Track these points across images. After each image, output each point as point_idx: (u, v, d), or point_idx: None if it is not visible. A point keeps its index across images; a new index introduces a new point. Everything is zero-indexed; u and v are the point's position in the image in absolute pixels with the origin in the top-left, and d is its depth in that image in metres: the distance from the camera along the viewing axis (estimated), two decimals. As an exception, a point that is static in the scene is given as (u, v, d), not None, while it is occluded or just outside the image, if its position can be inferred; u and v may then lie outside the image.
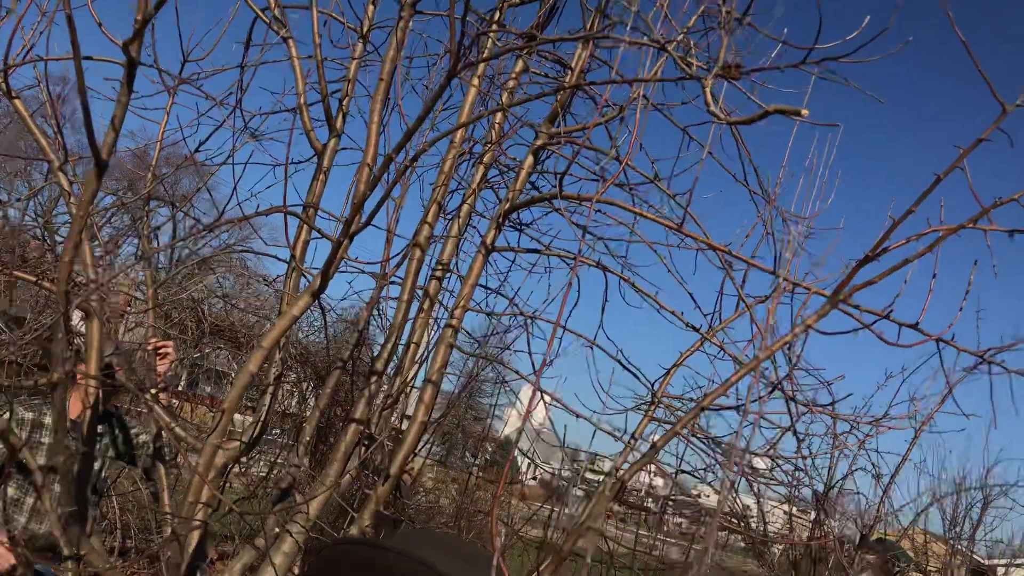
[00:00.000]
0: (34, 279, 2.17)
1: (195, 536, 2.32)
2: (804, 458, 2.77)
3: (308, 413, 7.50)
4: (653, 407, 2.73)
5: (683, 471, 2.63)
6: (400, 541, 1.23)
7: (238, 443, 2.51)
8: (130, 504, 6.63)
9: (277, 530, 2.45)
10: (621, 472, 2.27)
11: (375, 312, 3.08)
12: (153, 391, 2.52)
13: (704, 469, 2.98)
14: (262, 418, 2.62)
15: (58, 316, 1.70)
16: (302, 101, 2.70)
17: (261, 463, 8.33)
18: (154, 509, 6.27)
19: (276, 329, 2.16)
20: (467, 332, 3.21)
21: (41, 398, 3.42)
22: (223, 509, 2.67)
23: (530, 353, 3.10)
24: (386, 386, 2.85)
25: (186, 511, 2.11)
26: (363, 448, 2.64)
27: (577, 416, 2.55)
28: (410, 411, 3.41)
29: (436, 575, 1.16)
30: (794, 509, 9.96)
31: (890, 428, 2.78)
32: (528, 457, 3.58)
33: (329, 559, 1.19)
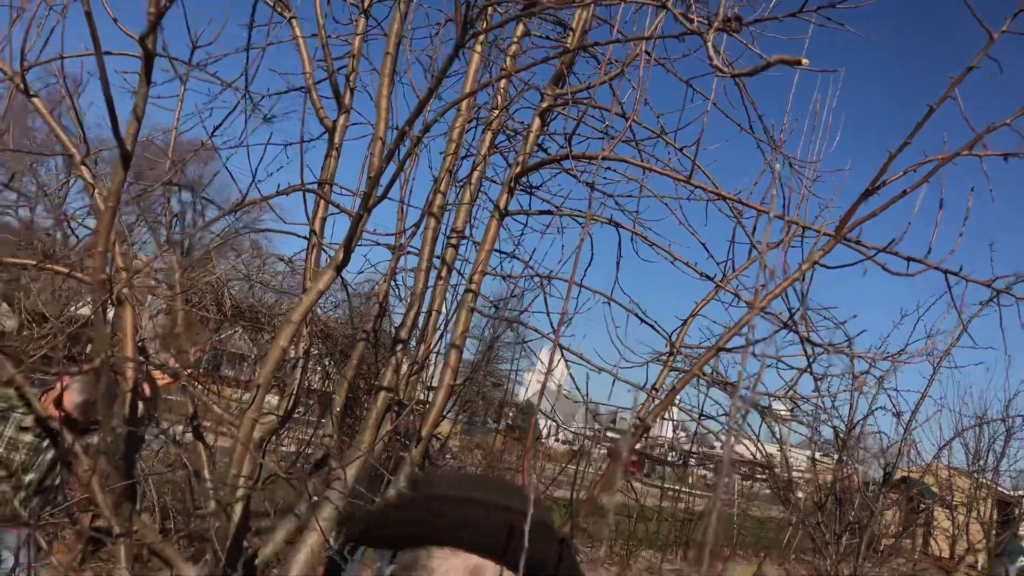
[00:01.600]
0: (67, 271, 2.25)
1: (239, 507, 2.41)
2: (823, 397, 2.83)
3: (333, 388, 7.62)
4: (672, 357, 2.80)
5: (704, 415, 2.70)
6: (453, 489, 1.32)
7: (274, 417, 2.60)
8: (166, 487, 6.79)
9: (316, 498, 2.54)
10: (643, 417, 2.35)
11: (393, 283, 3.15)
12: (188, 372, 2.60)
13: (724, 414, 3.05)
14: (293, 392, 2.70)
15: (97, 305, 1.77)
16: (310, 80, 2.75)
17: (288, 442, 8.48)
18: (192, 489, 6.42)
19: (304, 303, 2.23)
20: (486, 298, 3.28)
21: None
22: (269, 479, 2.77)
23: (548, 313, 3.16)
24: (411, 354, 2.92)
25: (230, 482, 2.20)
26: (393, 414, 2.72)
27: (599, 370, 2.62)
28: (434, 378, 3.49)
29: (519, 515, 1.27)
30: (816, 452, 10.06)
31: (908, 363, 2.83)
32: (550, 418, 3.66)
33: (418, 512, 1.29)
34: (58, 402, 3.49)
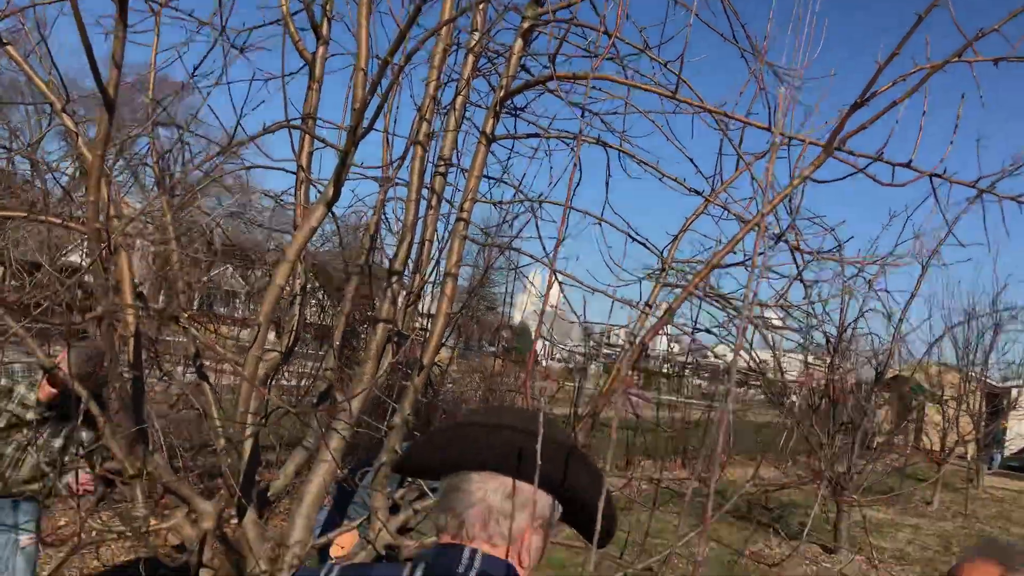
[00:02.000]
0: (60, 222, 2.25)
1: (248, 443, 2.47)
2: (814, 303, 2.88)
3: (331, 322, 7.68)
4: (664, 274, 2.83)
5: (699, 329, 2.75)
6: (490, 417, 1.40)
7: (276, 353, 2.64)
8: (172, 429, 6.91)
9: (324, 430, 2.60)
10: (640, 335, 2.39)
11: (383, 216, 3.15)
12: (186, 315, 2.63)
13: (718, 326, 3.10)
14: (293, 328, 2.74)
15: (95, 254, 1.78)
16: (286, 10, 2.70)
17: (290, 377, 8.59)
18: (200, 428, 6.53)
19: (298, 241, 2.25)
20: (477, 226, 3.29)
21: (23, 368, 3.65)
22: (274, 415, 2.82)
23: (540, 237, 3.18)
24: (406, 285, 2.95)
25: (239, 418, 2.25)
26: (394, 345, 2.76)
27: (592, 291, 2.65)
28: (431, 308, 3.52)
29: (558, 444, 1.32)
30: (809, 357, 10.25)
31: (896, 265, 2.87)
32: (546, 339, 3.69)
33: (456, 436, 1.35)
34: (53, 381, 3.54)
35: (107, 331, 1.97)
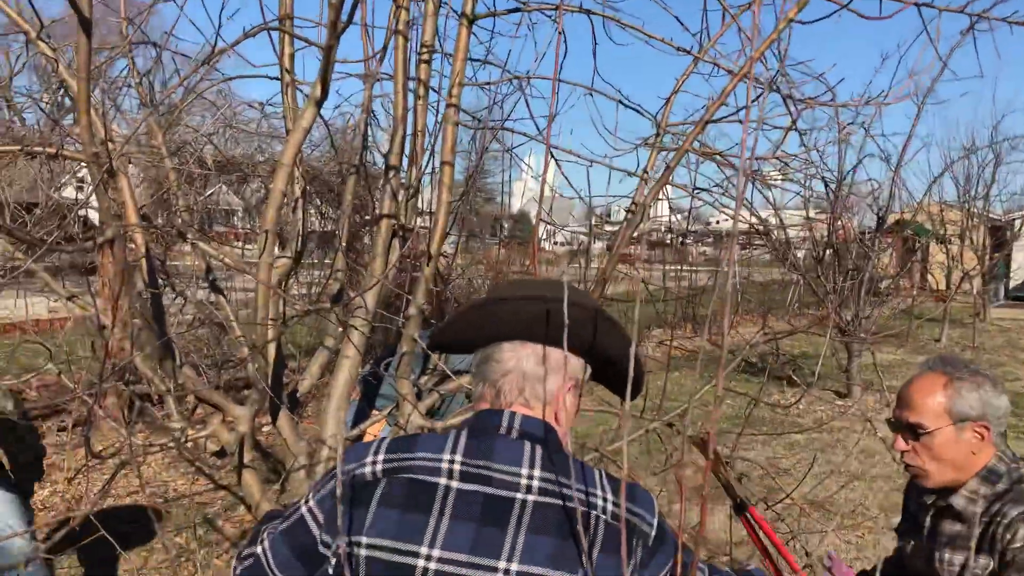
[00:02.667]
0: (55, 152, 2.25)
1: (272, 347, 2.54)
2: (811, 151, 2.89)
3: (333, 226, 7.71)
4: (659, 138, 2.83)
5: (699, 189, 2.77)
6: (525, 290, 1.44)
7: (286, 260, 2.68)
8: (191, 348, 7.05)
9: (343, 327, 2.67)
10: (639, 201, 2.42)
11: (372, 114, 3.13)
12: (192, 231, 2.66)
13: (717, 187, 3.12)
14: (299, 232, 2.77)
15: (96, 180, 1.80)
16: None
17: (299, 286, 8.68)
18: (220, 341, 6.66)
19: (291, 144, 2.25)
20: (467, 111, 3.27)
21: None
22: (293, 318, 2.89)
23: (531, 116, 3.16)
24: (403, 178, 2.96)
25: (259, 323, 2.32)
26: (399, 239, 2.79)
27: (590, 162, 2.66)
28: (431, 203, 3.54)
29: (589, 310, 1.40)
30: (811, 211, 10.27)
31: (891, 103, 2.86)
32: (547, 222, 3.72)
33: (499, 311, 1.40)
34: None
35: (119, 254, 2.01)
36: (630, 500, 1.36)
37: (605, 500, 1.33)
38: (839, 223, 9.65)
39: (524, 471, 1.31)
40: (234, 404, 2.50)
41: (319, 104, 2.24)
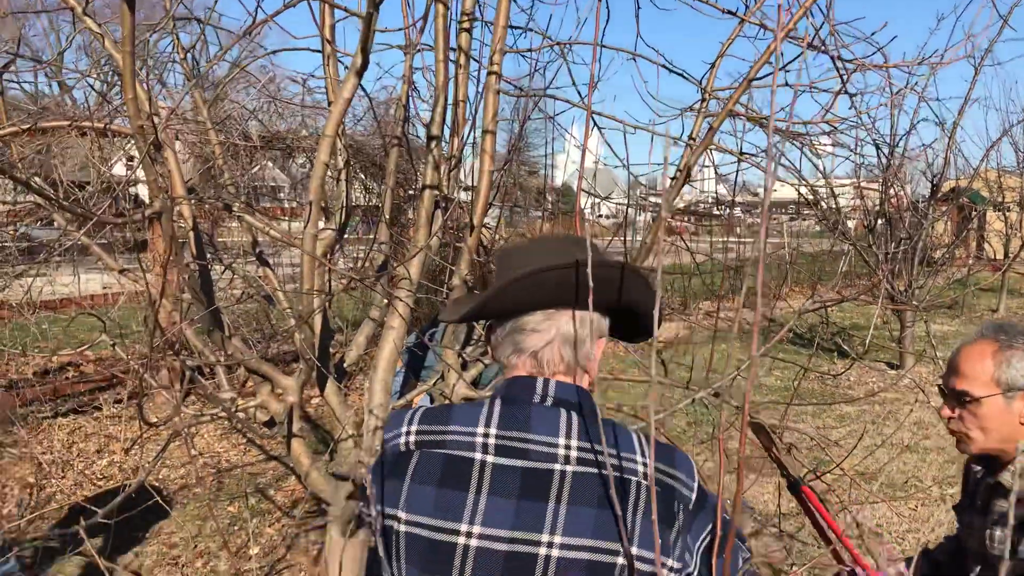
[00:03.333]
0: (103, 127, 2.28)
1: (318, 318, 2.56)
2: (861, 114, 2.81)
3: (375, 199, 7.74)
4: (704, 104, 2.77)
5: (745, 154, 2.71)
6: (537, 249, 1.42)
7: (330, 232, 2.69)
8: (239, 322, 7.17)
9: (388, 298, 2.68)
10: (683, 167, 2.38)
11: (413, 86, 3.12)
12: (238, 204, 2.68)
13: (763, 151, 3.05)
14: (344, 205, 2.78)
15: (143, 153, 1.82)
16: None
17: (344, 260, 8.76)
18: (267, 314, 6.76)
19: (335, 114, 2.25)
20: (509, 81, 3.24)
21: None
22: (336, 288, 2.91)
23: (573, 84, 3.12)
24: (445, 149, 2.95)
25: (305, 295, 2.34)
26: (442, 210, 2.79)
27: (634, 128, 2.62)
28: (470, 177, 3.52)
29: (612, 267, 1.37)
30: (862, 180, 10.02)
31: (947, 64, 2.76)
32: (591, 193, 3.70)
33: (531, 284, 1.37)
34: None
35: (166, 226, 2.03)
36: (669, 464, 1.34)
37: (645, 465, 1.31)
38: (892, 191, 9.41)
39: (561, 441, 1.29)
40: (282, 375, 2.53)
41: (360, 74, 2.23)
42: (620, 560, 1.23)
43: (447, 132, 2.96)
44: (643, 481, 1.29)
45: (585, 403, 1.36)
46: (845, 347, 9.25)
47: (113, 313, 4.30)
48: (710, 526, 1.37)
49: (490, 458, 1.28)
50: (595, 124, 3.04)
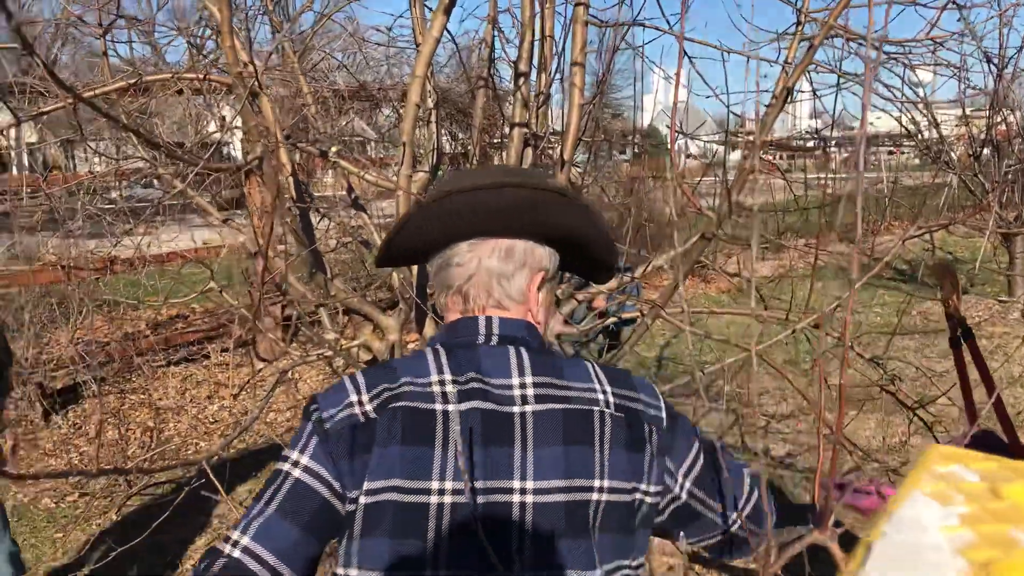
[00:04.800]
0: (203, 76, 2.36)
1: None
2: (969, 28, 2.66)
3: (463, 146, 7.78)
4: (800, 27, 2.67)
5: (844, 75, 2.61)
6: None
7: (423, 174, 2.73)
8: (336, 271, 7.37)
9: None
10: (779, 93, 2.31)
11: (497, 28, 3.10)
12: (334, 150, 2.74)
13: (862, 76, 2.93)
14: (434, 146, 2.81)
15: (243, 98, 1.88)
16: None
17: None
18: (363, 262, 6.93)
19: (423, 55, 2.27)
20: (594, 19, 3.18)
21: None
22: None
23: (663, 13, 3.05)
24: (533, 86, 2.93)
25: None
26: (532, 148, 2.79)
27: (728, 51, 2.55)
28: (556, 122, 3.50)
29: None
30: (967, 109, 9.49)
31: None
32: (680, 132, 3.62)
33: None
34: None
35: (269, 170, 2.10)
36: (630, 388, 1.27)
37: (605, 393, 1.24)
38: (999, 117, 8.89)
39: (515, 380, 1.21)
40: (383, 315, 2.60)
41: (448, 12, 2.24)
42: (594, 496, 1.17)
43: (535, 71, 2.94)
44: (606, 410, 1.22)
45: (533, 338, 1.29)
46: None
47: (217, 264, 4.49)
48: (694, 449, 1.31)
49: (451, 407, 1.17)
50: (686, 54, 2.97)
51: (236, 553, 1.11)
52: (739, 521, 1.35)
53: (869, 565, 0.42)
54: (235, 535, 1.14)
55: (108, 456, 5.39)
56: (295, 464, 1.17)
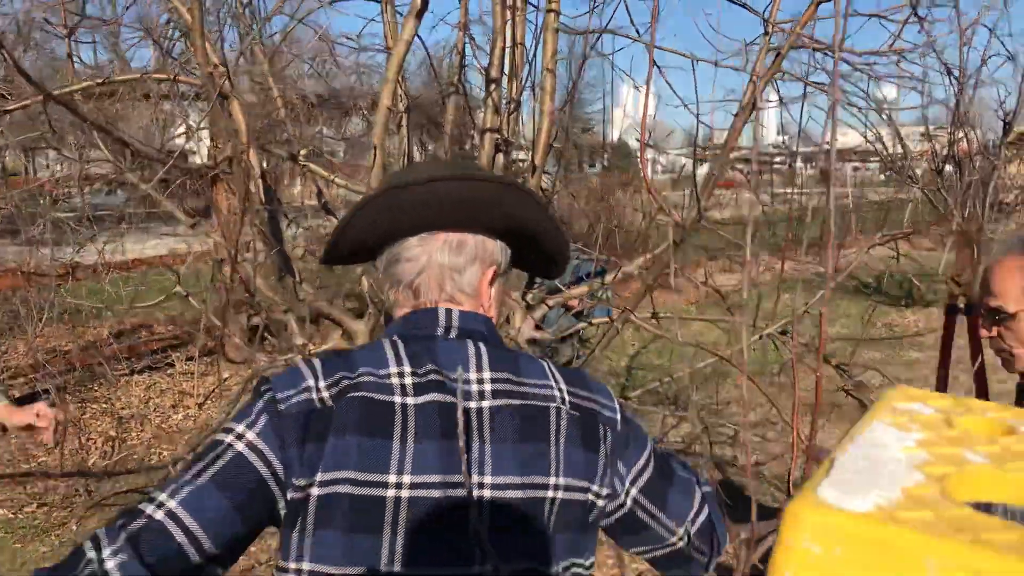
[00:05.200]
0: (172, 78, 2.34)
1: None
2: (931, 39, 2.71)
3: (434, 150, 7.77)
4: (768, 37, 2.71)
5: (811, 83, 2.64)
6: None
7: (393, 177, 2.72)
8: (303, 276, 7.31)
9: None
10: (746, 104, 2.34)
11: (468, 34, 3.10)
12: (302, 153, 2.73)
13: (829, 85, 2.97)
14: (405, 151, 2.80)
15: (213, 100, 1.86)
16: None
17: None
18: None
19: (395, 59, 2.26)
20: (567, 26, 3.20)
21: None
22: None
23: (632, 22, 3.07)
24: (503, 93, 2.94)
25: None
26: (502, 153, 2.79)
27: (697, 60, 2.58)
28: (526, 127, 3.51)
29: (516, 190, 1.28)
30: (929, 119, 9.65)
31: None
32: (650, 146, 3.63)
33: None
34: None
35: (238, 171, 2.08)
36: (585, 388, 1.26)
37: (561, 391, 1.22)
38: (960, 134, 9.05)
39: (473, 375, 1.19)
40: (351, 319, 2.59)
41: (419, 16, 2.24)
42: (549, 493, 1.16)
43: (505, 77, 2.95)
44: (562, 407, 1.20)
45: (491, 333, 1.26)
46: (917, 287, 9.03)
47: (182, 270, 4.44)
48: (644, 455, 1.29)
49: (410, 399, 1.14)
50: (655, 63, 3.00)
51: (159, 515, 1.06)
52: (687, 537, 1.32)
53: (833, 475, 0.47)
54: (161, 497, 1.08)
55: (69, 466, 5.28)
56: (239, 437, 1.11)
